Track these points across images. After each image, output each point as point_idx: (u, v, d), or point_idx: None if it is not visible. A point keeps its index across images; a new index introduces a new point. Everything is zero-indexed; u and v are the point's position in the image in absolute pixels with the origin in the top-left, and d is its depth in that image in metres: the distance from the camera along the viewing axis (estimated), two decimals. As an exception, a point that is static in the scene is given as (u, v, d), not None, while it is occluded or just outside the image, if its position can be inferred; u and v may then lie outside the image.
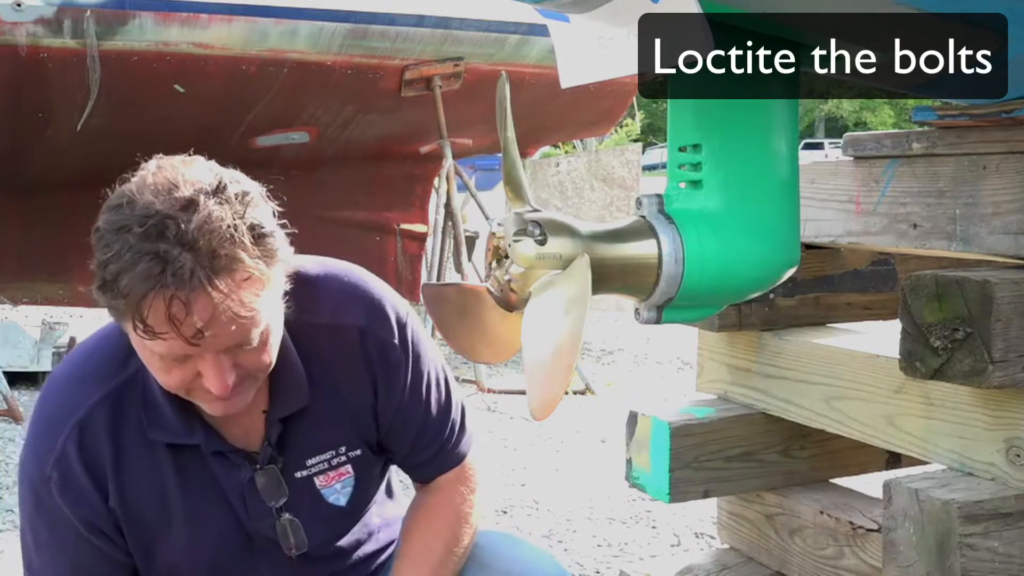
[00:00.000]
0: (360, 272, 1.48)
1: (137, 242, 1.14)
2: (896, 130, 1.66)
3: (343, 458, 1.45)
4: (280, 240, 1.25)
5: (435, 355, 1.52)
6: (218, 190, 1.19)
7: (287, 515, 1.43)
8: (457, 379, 5.22)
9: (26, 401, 4.70)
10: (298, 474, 1.43)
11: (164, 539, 1.40)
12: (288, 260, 1.29)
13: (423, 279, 6.30)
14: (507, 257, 1.25)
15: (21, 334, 5.18)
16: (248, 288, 1.19)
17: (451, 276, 5.77)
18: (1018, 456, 1.36)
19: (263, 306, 1.22)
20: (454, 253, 5.62)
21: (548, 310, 1.20)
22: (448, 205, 5.47)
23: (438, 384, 1.51)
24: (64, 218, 5.42)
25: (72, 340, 5.24)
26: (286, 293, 1.34)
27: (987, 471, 1.40)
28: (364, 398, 1.44)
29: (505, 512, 3.32)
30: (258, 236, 1.20)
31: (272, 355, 1.30)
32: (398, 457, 1.53)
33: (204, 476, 1.39)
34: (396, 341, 1.44)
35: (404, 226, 6.44)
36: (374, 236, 6.40)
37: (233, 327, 1.19)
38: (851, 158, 1.66)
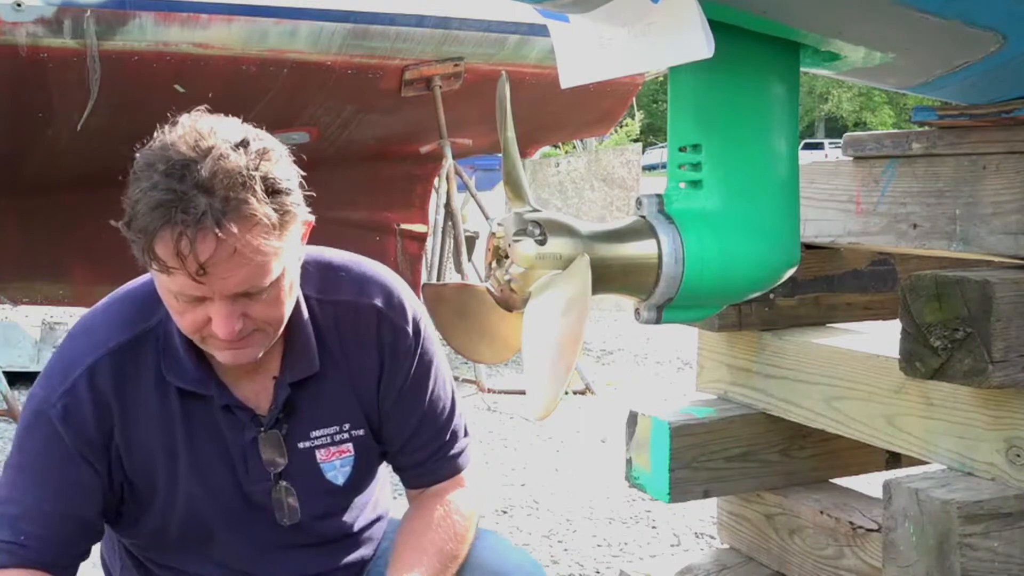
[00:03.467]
0: (385, 268, 1.56)
1: (160, 179, 1.23)
2: (896, 130, 1.66)
3: (346, 435, 1.50)
4: (296, 197, 1.31)
5: (443, 359, 1.57)
6: (240, 143, 1.27)
7: (284, 483, 1.46)
8: (457, 379, 5.24)
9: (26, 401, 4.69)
10: (301, 444, 1.47)
11: (166, 485, 1.44)
12: (305, 219, 1.35)
13: (423, 279, 6.29)
14: (507, 257, 1.25)
15: (21, 334, 5.18)
16: (255, 233, 1.25)
17: (451, 276, 5.77)
18: (1018, 456, 1.36)
19: (271, 252, 1.27)
20: (454, 253, 5.62)
21: (548, 310, 1.20)
22: (448, 205, 5.46)
23: (443, 384, 1.56)
24: (64, 218, 5.42)
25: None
26: (310, 272, 1.44)
27: (987, 471, 1.40)
28: (371, 376, 1.49)
29: (505, 512, 3.32)
30: (271, 189, 1.27)
31: (284, 311, 1.36)
32: (393, 450, 1.55)
33: (211, 429, 1.44)
34: (409, 330, 1.50)
35: (404, 226, 6.44)
36: (374, 236, 6.39)
37: (240, 269, 1.25)
38: (851, 158, 1.66)
